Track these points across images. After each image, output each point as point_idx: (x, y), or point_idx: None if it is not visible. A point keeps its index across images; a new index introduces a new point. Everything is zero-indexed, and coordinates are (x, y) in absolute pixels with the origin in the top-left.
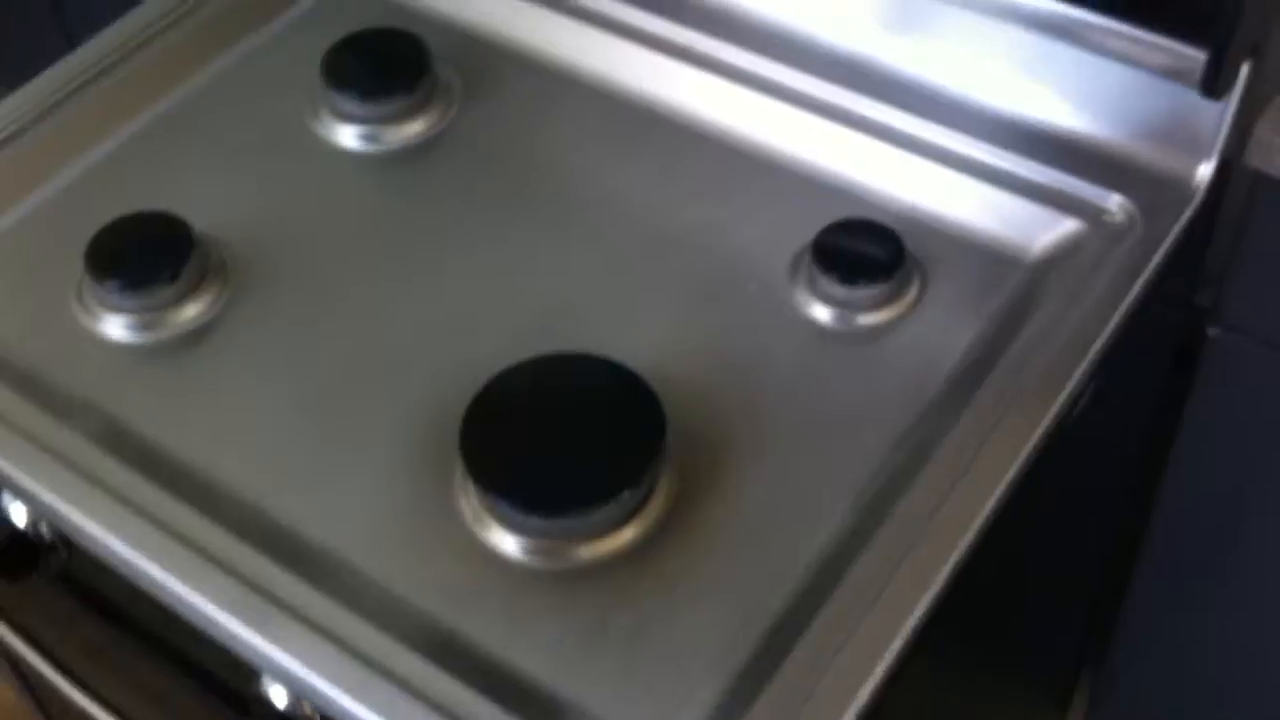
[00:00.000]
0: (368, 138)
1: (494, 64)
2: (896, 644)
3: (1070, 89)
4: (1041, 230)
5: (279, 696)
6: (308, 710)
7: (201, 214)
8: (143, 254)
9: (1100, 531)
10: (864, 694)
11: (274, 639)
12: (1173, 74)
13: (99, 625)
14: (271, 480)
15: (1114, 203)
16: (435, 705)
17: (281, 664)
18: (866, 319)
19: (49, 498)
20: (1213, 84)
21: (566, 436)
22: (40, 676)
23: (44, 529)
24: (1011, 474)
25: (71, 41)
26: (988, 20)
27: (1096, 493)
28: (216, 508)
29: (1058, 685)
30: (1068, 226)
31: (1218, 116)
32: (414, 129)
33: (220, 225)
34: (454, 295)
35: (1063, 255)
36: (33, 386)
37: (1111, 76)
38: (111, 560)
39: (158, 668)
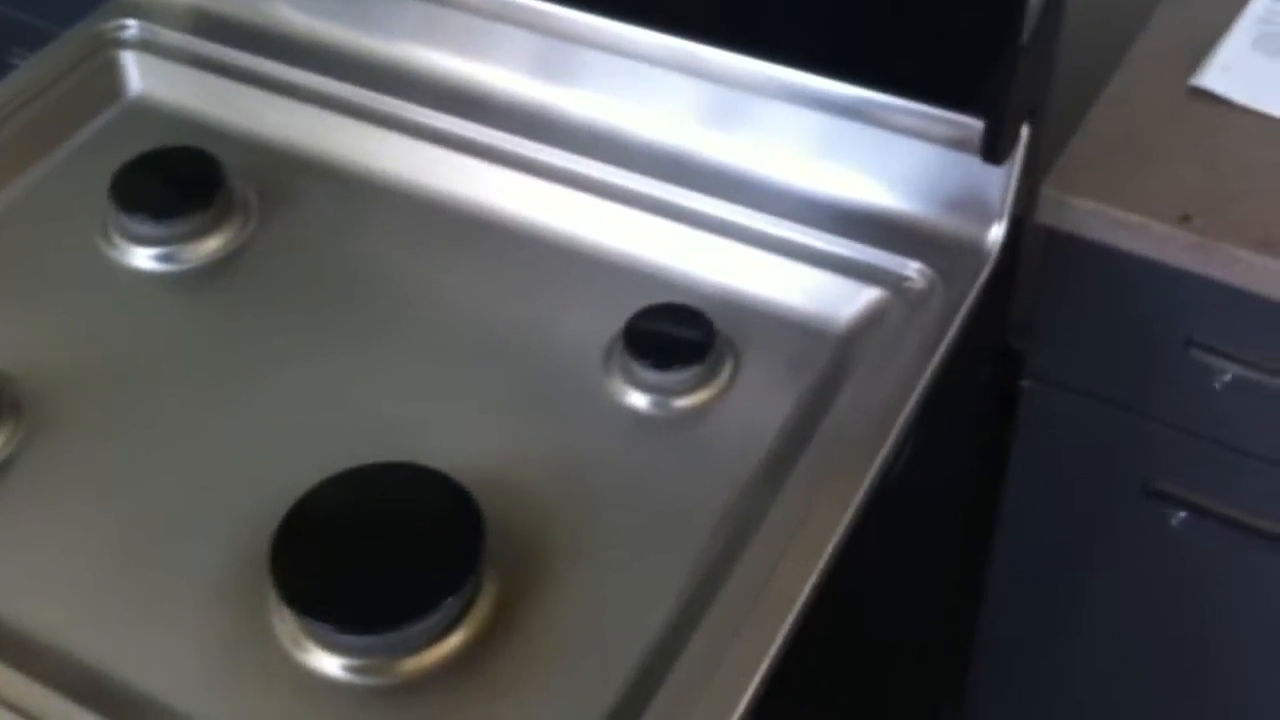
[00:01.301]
0: (163, 258)
1: (292, 175)
2: None
3: (865, 165)
4: (846, 302)
5: None
6: None
7: None
8: None
9: (941, 580)
10: None
11: None
12: (958, 144)
13: None
14: (80, 625)
15: (913, 270)
16: None
17: None
18: (682, 402)
19: None
20: (993, 151)
21: (382, 548)
22: None
23: None
24: (834, 542)
25: None
26: (782, 104)
27: (933, 544)
28: (24, 658)
29: None
30: (871, 296)
31: (1004, 180)
32: (211, 246)
33: (11, 360)
34: (264, 415)
35: (868, 324)
36: None
37: (902, 151)
38: None
39: None
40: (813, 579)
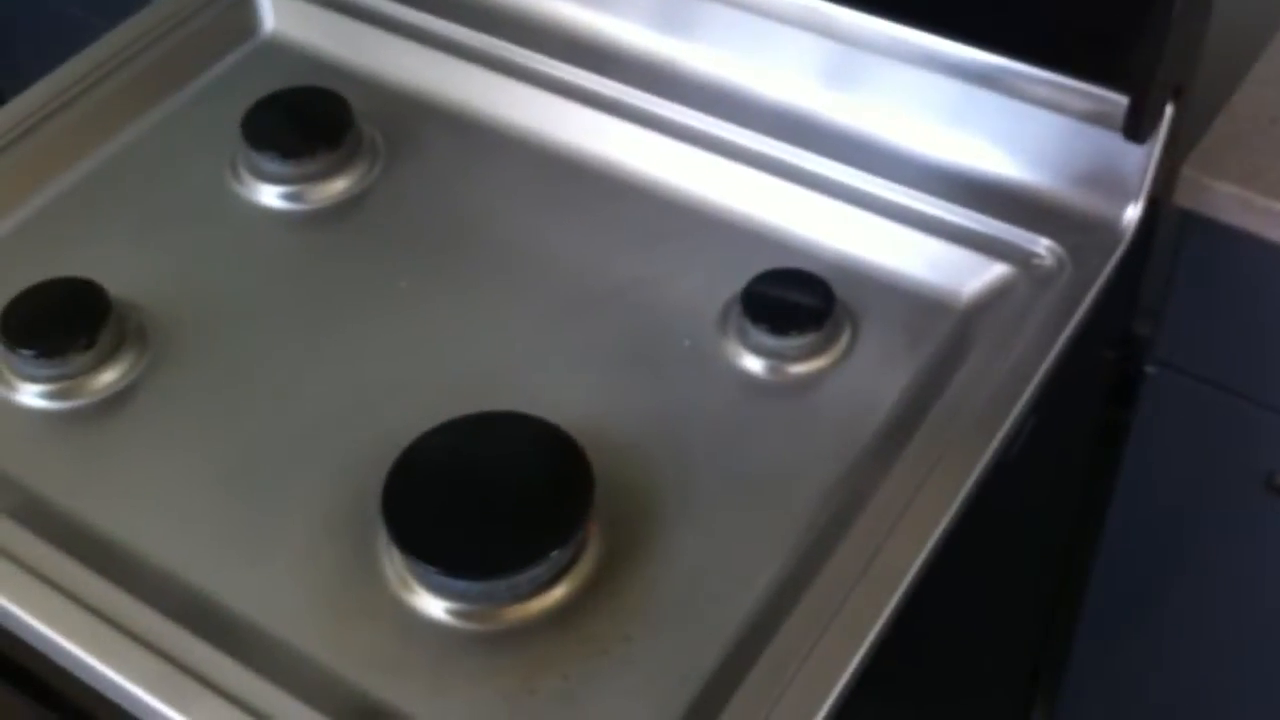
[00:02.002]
0: (290, 197)
1: (418, 120)
2: (831, 699)
3: (997, 136)
4: (971, 276)
5: None
6: None
7: (119, 279)
8: (57, 321)
9: (1048, 564)
10: None
11: (195, 716)
12: (1098, 119)
13: (20, 702)
14: (192, 551)
15: (1043, 246)
16: None
17: None
18: (797, 369)
19: None
20: (1136, 128)
21: (492, 497)
22: None
23: None
24: (945, 522)
25: None
26: (915, 70)
27: (1043, 527)
28: (136, 581)
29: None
30: (997, 271)
31: (1144, 159)
32: (337, 187)
33: (138, 289)
34: (379, 356)
35: (993, 300)
36: None
37: (1038, 123)
38: (27, 637)
39: None
40: (921, 556)
